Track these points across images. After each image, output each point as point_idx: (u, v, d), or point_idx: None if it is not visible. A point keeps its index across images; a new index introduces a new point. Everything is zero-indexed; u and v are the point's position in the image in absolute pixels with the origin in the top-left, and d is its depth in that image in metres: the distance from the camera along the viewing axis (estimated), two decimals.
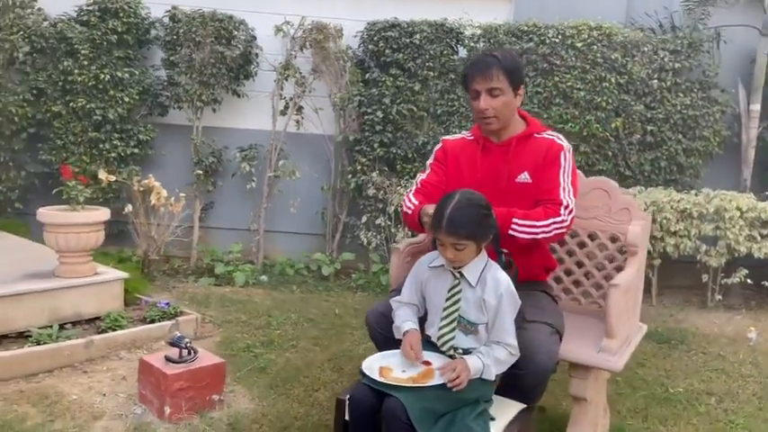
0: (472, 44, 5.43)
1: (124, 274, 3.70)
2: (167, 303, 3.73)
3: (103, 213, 3.55)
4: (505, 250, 2.06)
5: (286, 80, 5.50)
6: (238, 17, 5.48)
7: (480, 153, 2.44)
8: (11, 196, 5.43)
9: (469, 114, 5.21)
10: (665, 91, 5.36)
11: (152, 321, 3.58)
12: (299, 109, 5.59)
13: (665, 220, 4.83)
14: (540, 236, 2.21)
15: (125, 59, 5.47)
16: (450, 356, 1.97)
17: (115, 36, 5.34)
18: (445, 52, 5.40)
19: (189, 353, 2.70)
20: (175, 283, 4.93)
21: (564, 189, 2.30)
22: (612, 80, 5.26)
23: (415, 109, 5.43)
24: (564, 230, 2.26)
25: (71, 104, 5.31)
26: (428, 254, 2.13)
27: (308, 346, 3.70)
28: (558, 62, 5.27)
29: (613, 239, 2.67)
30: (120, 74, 5.36)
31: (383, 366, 1.93)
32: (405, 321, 2.04)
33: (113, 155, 5.41)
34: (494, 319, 1.96)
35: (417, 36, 5.35)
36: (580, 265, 2.77)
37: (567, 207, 2.27)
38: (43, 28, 5.34)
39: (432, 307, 2.05)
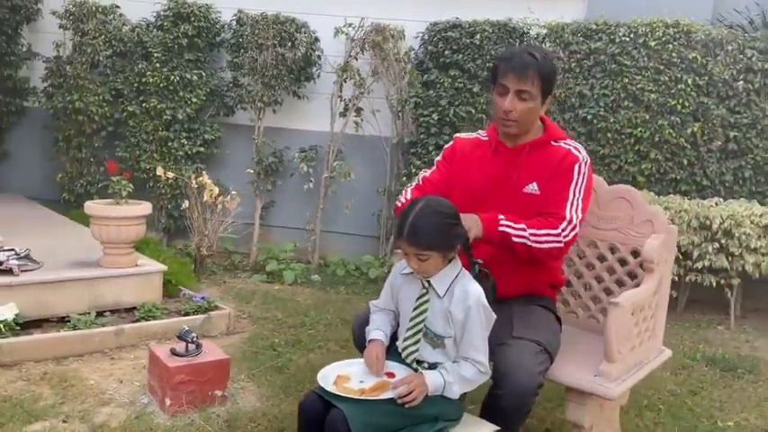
0: (536, 44, 5.19)
1: (163, 267, 3.84)
2: (203, 297, 3.83)
3: (144, 208, 3.70)
4: (480, 261, 1.92)
5: (345, 82, 5.52)
6: (301, 20, 5.57)
7: (491, 156, 2.30)
8: (90, 190, 5.81)
9: None
10: (753, 93, 4.86)
11: (186, 314, 3.70)
12: (358, 110, 5.58)
13: (743, 236, 4.37)
14: (530, 243, 2.04)
15: (195, 62, 5.71)
16: (415, 369, 1.86)
17: (186, 40, 5.58)
18: None
19: (195, 347, 2.74)
20: (228, 279, 5.07)
21: (572, 204, 2.12)
22: (690, 81, 4.83)
23: (473, 111, 5.27)
24: (559, 245, 2.07)
25: (144, 105, 5.62)
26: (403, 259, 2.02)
27: (334, 348, 3.66)
28: (628, 62, 4.92)
29: (635, 254, 2.42)
30: (189, 75, 5.60)
31: (341, 375, 1.85)
32: (374, 330, 1.95)
33: (180, 153, 5.66)
34: (462, 334, 1.82)
35: (478, 36, 5.20)
36: (599, 279, 2.54)
37: (569, 222, 2.08)
38: (123, 33, 5.69)
39: (402, 316, 1.95)
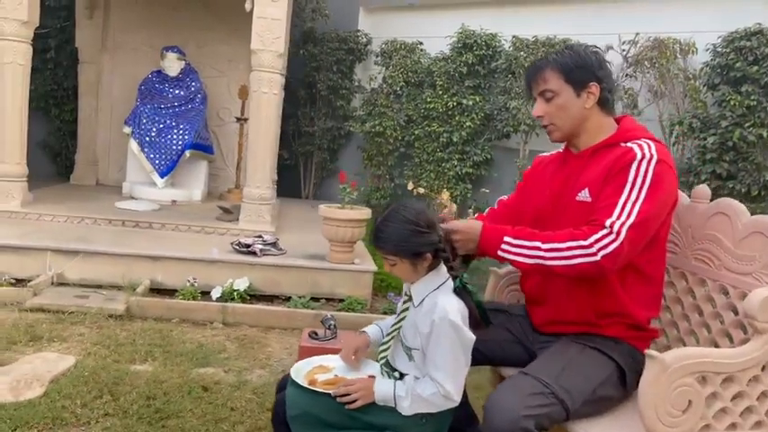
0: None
1: (374, 268, 4.25)
2: (399, 299, 4.10)
3: (362, 213, 4.18)
4: (465, 275, 1.72)
5: (615, 103, 5.09)
6: (572, 41, 5.38)
7: (558, 167, 2.03)
8: (382, 202, 6.69)
9: None
10: None
11: (384, 313, 4.03)
12: None
13: None
14: (549, 262, 1.71)
15: (474, 88, 6.06)
16: (387, 373, 1.79)
17: (466, 68, 5.97)
18: None
19: (331, 334, 3.04)
20: None
21: (622, 209, 1.70)
22: None
23: (765, 135, 4.28)
24: (592, 260, 1.65)
25: (427, 128, 6.22)
26: None
27: None
28: None
29: None
30: (465, 101, 5.97)
31: (322, 364, 1.90)
32: (372, 326, 1.95)
33: (452, 173, 6.06)
34: (426, 349, 1.69)
35: None
36: (730, 338, 1.92)
37: (610, 230, 1.66)
38: (417, 65, 6.41)
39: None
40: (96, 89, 6.49)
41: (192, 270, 4.04)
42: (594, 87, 1.87)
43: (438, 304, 1.68)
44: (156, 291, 4.05)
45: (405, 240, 1.68)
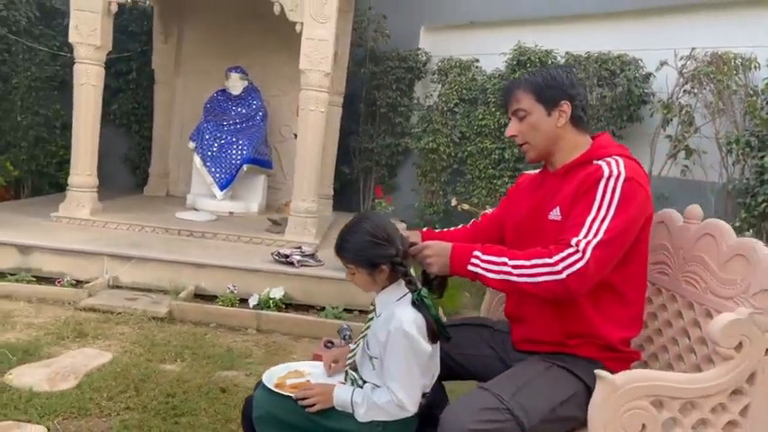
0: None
1: None
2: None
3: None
4: (423, 289, 1.75)
5: (670, 120, 4.91)
6: (630, 56, 5.23)
7: (537, 185, 2.04)
8: (435, 219, 6.72)
9: None
10: None
11: None
12: (688, 152, 4.88)
13: None
14: (515, 279, 1.71)
15: None
16: (352, 380, 1.84)
17: None
18: None
19: (345, 343, 3.12)
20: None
21: (589, 228, 1.69)
22: None
23: None
24: (557, 278, 1.63)
25: (480, 145, 6.21)
26: None
27: None
28: None
29: None
30: None
31: (297, 369, 1.98)
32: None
33: (503, 190, 6.00)
34: (383, 358, 1.73)
35: None
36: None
37: (575, 249, 1.65)
38: (470, 82, 6.43)
39: None
40: (169, 108, 6.96)
41: (233, 278, 4.25)
42: (566, 106, 1.87)
43: (395, 315, 1.72)
44: (200, 296, 4.29)
45: (362, 251, 1.74)
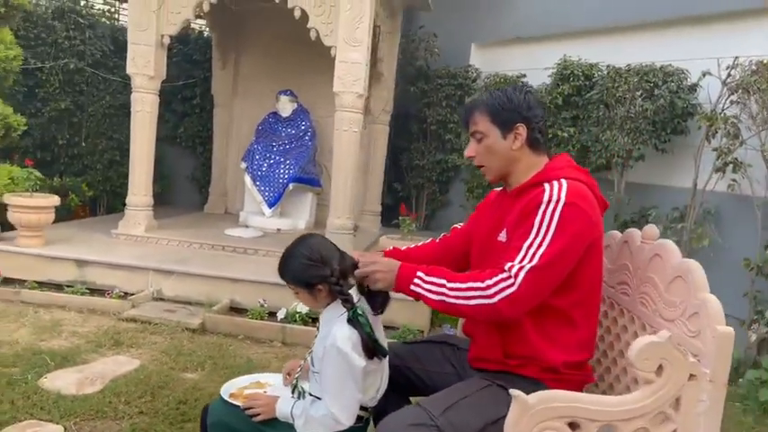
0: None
1: None
2: (452, 330, 4.14)
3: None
4: (358, 307, 1.82)
5: (715, 133, 4.68)
6: (670, 68, 5.04)
7: (496, 205, 2.07)
8: None
9: None
10: None
11: None
12: (735, 166, 4.63)
13: None
14: (451, 300, 1.75)
15: (573, 119, 5.89)
16: (299, 393, 1.93)
17: (561, 98, 5.84)
18: None
19: None
20: None
21: (526, 251, 1.70)
22: None
23: None
24: (488, 302, 1.67)
25: None
26: None
27: None
28: None
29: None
30: (560, 132, 5.83)
31: (259, 381, 2.09)
32: None
33: None
34: (320, 373, 1.81)
35: None
36: None
37: (508, 275, 1.68)
38: None
39: None
40: (227, 130, 7.37)
41: (265, 292, 4.45)
42: (521, 128, 1.88)
43: (332, 332, 1.81)
44: (235, 309, 4.52)
45: (299, 272, 1.84)
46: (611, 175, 5.46)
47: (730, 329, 1.51)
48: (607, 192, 5.48)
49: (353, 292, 1.87)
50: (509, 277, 1.69)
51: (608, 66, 5.51)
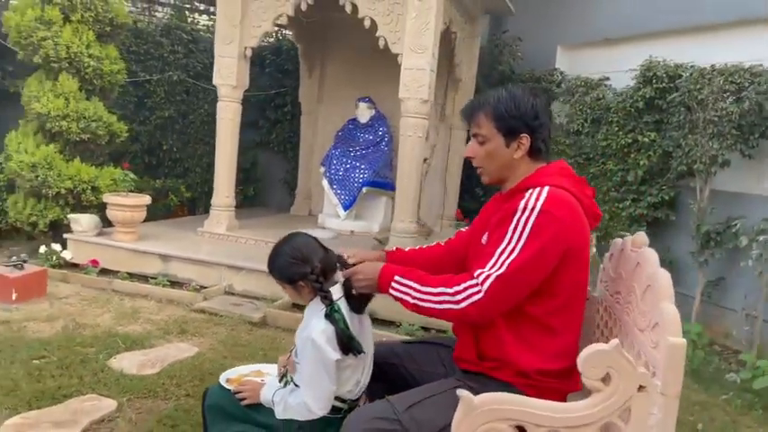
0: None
1: None
2: None
3: None
4: (335, 305, 1.90)
5: None
6: (759, 68, 4.66)
7: (490, 206, 2.09)
8: None
9: None
10: None
11: None
12: None
13: None
14: (422, 303, 1.80)
15: (655, 123, 5.59)
16: (286, 381, 2.04)
17: (642, 102, 5.56)
18: None
19: None
20: None
21: (497, 258, 1.71)
22: None
23: None
24: (455, 308, 1.71)
25: (602, 167, 5.91)
26: None
27: None
28: None
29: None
30: (641, 138, 5.55)
31: (260, 370, 2.24)
32: None
33: (624, 214, 5.65)
34: (299, 363, 1.92)
35: None
36: None
37: (475, 281, 1.71)
38: (596, 102, 6.15)
39: None
40: (312, 135, 7.70)
41: None
42: (525, 139, 1.86)
43: (309, 325, 1.93)
44: (297, 306, 4.74)
45: (283, 269, 1.98)
46: (694, 182, 5.12)
47: (682, 341, 1.44)
48: (689, 200, 5.16)
49: (335, 289, 1.97)
50: (476, 284, 1.71)
51: (693, 66, 5.18)
